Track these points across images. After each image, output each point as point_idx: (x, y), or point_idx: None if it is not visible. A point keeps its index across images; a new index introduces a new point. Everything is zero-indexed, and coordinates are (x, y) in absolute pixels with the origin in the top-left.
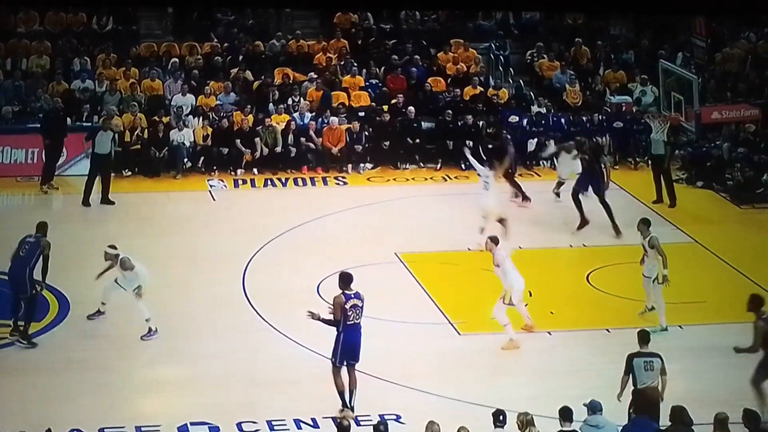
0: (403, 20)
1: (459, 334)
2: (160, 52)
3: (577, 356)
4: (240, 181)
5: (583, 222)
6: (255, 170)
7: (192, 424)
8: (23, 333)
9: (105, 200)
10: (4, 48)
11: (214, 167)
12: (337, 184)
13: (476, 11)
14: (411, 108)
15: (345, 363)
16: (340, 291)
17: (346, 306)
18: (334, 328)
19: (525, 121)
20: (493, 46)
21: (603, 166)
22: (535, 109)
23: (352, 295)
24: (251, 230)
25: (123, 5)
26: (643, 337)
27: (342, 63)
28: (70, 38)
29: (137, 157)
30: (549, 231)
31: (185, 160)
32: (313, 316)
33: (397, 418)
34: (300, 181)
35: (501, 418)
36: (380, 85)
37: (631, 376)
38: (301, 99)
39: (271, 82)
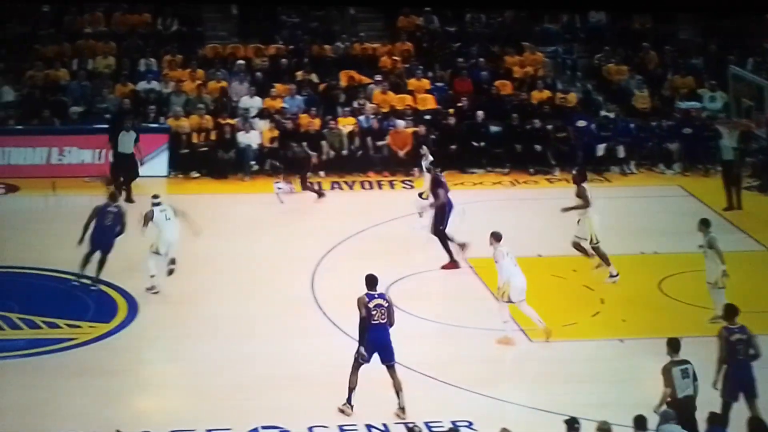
0: (469, 23)
1: (530, 340)
2: (225, 54)
3: (649, 364)
4: (307, 184)
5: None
6: (322, 173)
7: (263, 428)
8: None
9: (128, 200)
10: (70, 48)
11: (281, 170)
12: (404, 187)
13: (543, 13)
14: (480, 112)
15: (369, 361)
16: (365, 292)
17: (369, 305)
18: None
19: (593, 126)
20: (559, 49)
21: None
22: (603, 113)
23: (376, 296)
24: (319, 233)
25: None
26: (674, 346)
27: (407, 66)
28: (135, 39)
29: (205, 159)
30: (619, 238)
31: (252, 162)
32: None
33: (469, 425)
34: (367, 184)
35: (575, 426)
36: (446, 88)
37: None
38: (367, 102)
39: (336, 85)
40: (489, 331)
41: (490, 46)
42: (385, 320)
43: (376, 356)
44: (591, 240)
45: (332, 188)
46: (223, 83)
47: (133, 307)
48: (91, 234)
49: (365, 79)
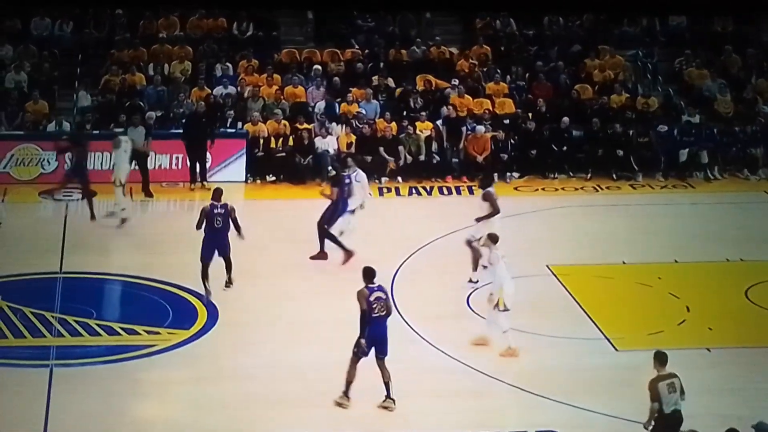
0: (546, 26)
1: (616, 350)
2: (301, 59)
3: (736, 374)
4: (384, 189)
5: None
6: (399, 178)
7: None
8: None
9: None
10: (146, 53)
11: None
12: None
13: (620, 17)
14: (566, 118)
15: (374, 355)
16: (364, 285)
17: (370, 298)
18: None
19: (675, 131)
20: (639, 53)
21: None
22: (685, 118)
23: (375, 288)
24: (397, 239)
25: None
26: (660, 359)
27: (485, 70)
28: (211, 44)
29: (282, 164)
30: (704, 244)
31: (329, 167)
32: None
33: None
34: (445, 190)
35: None
36: (525, 91)
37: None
38: (444, 106)
39: (413, 89)
40: (572, 340)
41: (570, 49)
42: (384, 313)
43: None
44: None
45: (410, 193)
46: (300, 88)
47: (213, 314)
48: (203, 242)
49: (442, 83)
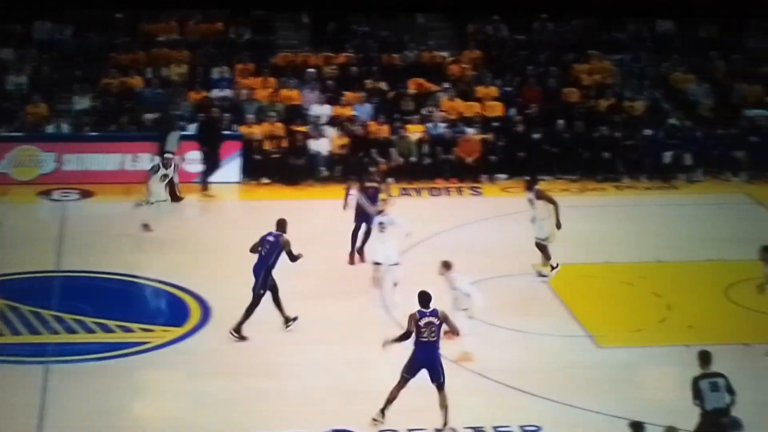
0: (537, 31)
1: (598, 347)
2: (296, 62)
3: (716, 370)
4: None
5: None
6: (390, 179)
7: (335, 431)
8: (236, 326)
9: (175, 198)
10: (145, 56)
11: (351, 176)
12: (473, 194)
13: (611, 21)
14: (560, 122)
15: (413, 378)
16: (417, 309)
17: (420, 323)
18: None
19: (660, 134)
20: (627, 58)
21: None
22: (670, 121)
23: (428, 313)
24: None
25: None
26: (705, 358)
27: (476, 73)
28: (208, 47)
29: (276, 166)
30: (686, 244)
31: (322, 168)
32: (385, 343)
33: (538, 430)
34: (435, 191)
35: (640, 430)
36: (515, 95)
37: (699, 399)
38: (435, 109)
39: (405, 93)
40: (557, 337)
41: (559, 54)
42: (434, 339)
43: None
44: (548, 239)
45: (401, 195)
46: (295, 91)
47: (205, 311)
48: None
49: (434, 87)
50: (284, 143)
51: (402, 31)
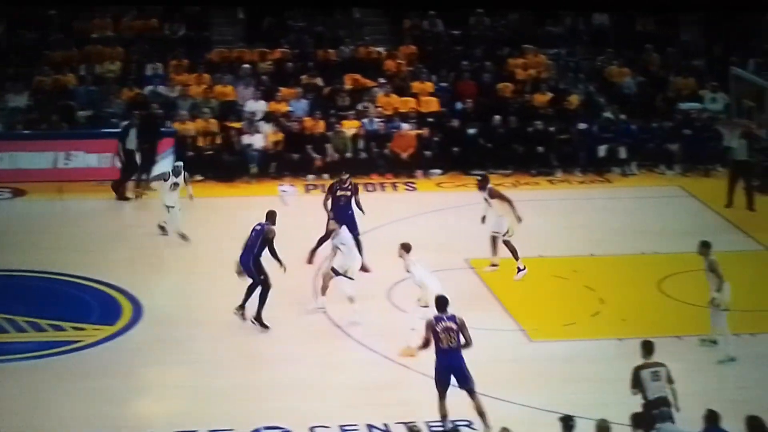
0: (473, 26)
1: (531, 341)
2: (231, 58)
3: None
4: (311, 187)
5: None
6: (326, 176)
7: (265, 428)
8: (256, 315)
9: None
10: (78, 54)
11: (285, 172)
12: (407, 189)
13: (545, 16)
14: (497, 117)
15: (448, 389)
16: (434, 314)
17: (436, 328)
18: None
19: (595, 128)
20: (562, 52)
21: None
22: (605, 115)
23: (445, 318)
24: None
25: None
26: (647, 348)
27: (411, 69)
28: (143, 44)
29: (210, 163)
30: (619, 238)
31: (256, 165)
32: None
33: (469, 424)
34: (370, 187)
35: (570, 423)
36: (450, 90)
37: (641, 389)
38: (371, 105)
39: (341, 88)
40: (490, 331)
41: (494, 48)
42: (454, 345)
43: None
44: (507, 232)
45: None
46: (230, 87)
47: (137, 309)
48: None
49: (369, 83)
50: (218, 140)
51: (338, 27)
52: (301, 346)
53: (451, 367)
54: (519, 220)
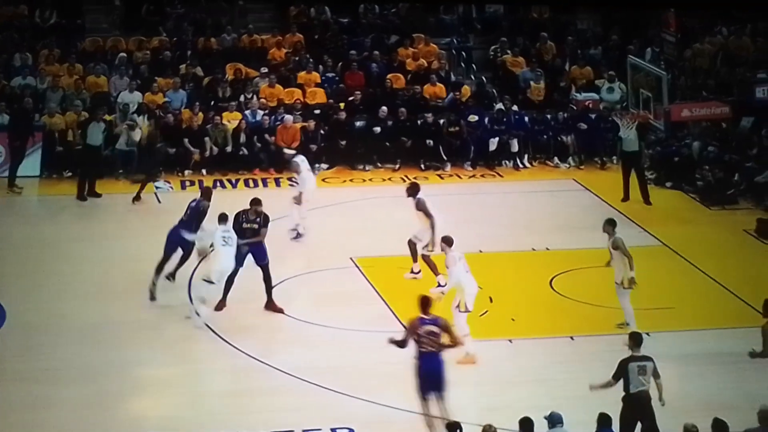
0: (362, 14)
1: None
2: (106, 47)
3: (539, 365)
4: (187, 183)
5: None
6: (204, 171)
7: None
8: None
9: (92, 193)
10: None
11: (160, 168)
12: (291, 185)
13: (438, 4)
14: (384, 108)
15: (430, 395)
16: (417, 316)
17: (419, 331)
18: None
19: (486, 120)
20: (455, 41)
21: None
22: (497, 106)
23: (428, 321)
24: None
25: None
26: (636, 340)
27: (297, 58)
28: (10, 32)
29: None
30: (510, 234)
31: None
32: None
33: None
34: (251, 183)
35: (457, 431)
36: (337, 81)
37: (623, 380)
38: (254, 96)
39: (222, 78)
40: (372, 333)
41: (384, 38)
42: (434, 349)
43: None
44: (427, 246)
45: (215, 187)
46: (103, 78)
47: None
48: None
49: (252, 72)
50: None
51: (219, 13)
52: (174, 351)
53: (432, 372)
54: (433, 245)
